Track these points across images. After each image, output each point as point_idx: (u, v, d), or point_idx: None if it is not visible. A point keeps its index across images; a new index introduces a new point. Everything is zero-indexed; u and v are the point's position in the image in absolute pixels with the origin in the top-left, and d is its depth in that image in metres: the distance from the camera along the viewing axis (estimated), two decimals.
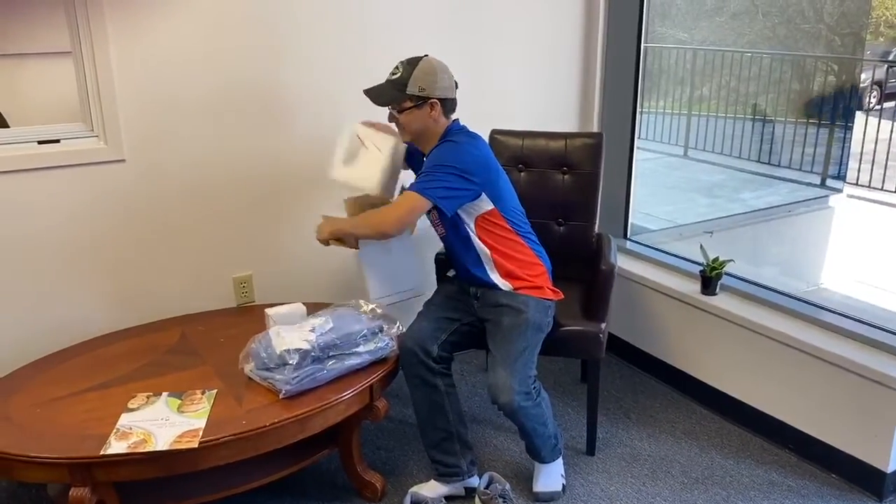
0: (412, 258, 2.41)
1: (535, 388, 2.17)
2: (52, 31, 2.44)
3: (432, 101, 2.15)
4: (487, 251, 2.23)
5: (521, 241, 2.26)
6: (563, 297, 2.32)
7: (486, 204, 2.18)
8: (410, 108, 2.16)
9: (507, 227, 2.23)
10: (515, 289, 2.24)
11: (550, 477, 2.32)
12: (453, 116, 2.26)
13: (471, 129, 2.26)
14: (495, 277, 2.25)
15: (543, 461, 2.31)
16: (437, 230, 2.32)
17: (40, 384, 2.07)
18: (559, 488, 2.32)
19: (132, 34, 2.38)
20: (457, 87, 2.23)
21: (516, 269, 2.25)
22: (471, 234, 2.22)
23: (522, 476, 2.43)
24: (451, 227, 2.24)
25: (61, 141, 2.41)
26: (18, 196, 2.34)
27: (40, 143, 2.38)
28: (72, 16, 2.31)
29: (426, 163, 2.19)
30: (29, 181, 2.34)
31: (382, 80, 2.20)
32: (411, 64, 2.15)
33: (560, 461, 2.36)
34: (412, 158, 2.39)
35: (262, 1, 2.54)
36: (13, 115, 2.67)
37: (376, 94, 2.18)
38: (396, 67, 2.18)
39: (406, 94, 2.14)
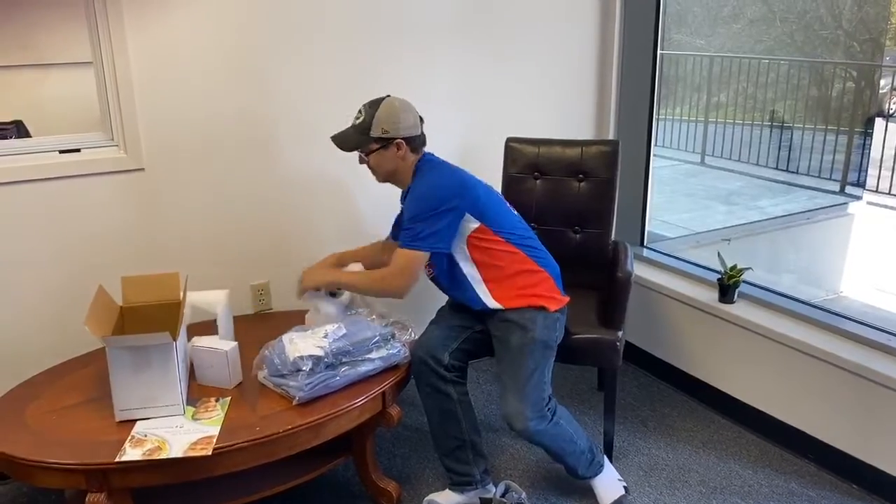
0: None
1: (549, 408, 2.15)
2: (74, 42, 2.47)
3: (397, 141, 2.14)
4: (478, 276, 2.19)
5: (517, 251, 2.20)
6: (568, 300, 2.28)
7: (471, 223, 2.14)
8: (377, 149, 2.15)
9: (500, 238, 2.18)
10: (518, 306, 2.19)
11: (607, 487, 2.30)
12: (425, 149, 2.25)
13: (438, 159, 2.24)
14: (490, 302, 2.20)
15: (584, 478, 2.30)
16: (426, 271, 2.25)
17: (57, 391, 2.08)
18: (622, 491, 2.30)
19: (152, 45, 2.41)
20: (422, 122, 2.21)
21: (511, 286, 2.19)
22: (458, 261, 2.18)
23: (539, 485, 2.42)
24: (441, 265, 2.21)
25: (82, 150, 2.44)
26: (40, 204, 2.37)
27: (61, 152, 2.41)
28: (93, 27, 2.34)
29: (405, 215, 2.17)
30: (50, 190, 2.37)
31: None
32: (373, 107, 2.14)
33: (608, 467, 2.33)
34: None
35: (286, 14, 2.57)
36: (35, 125, 2.71)
37: (341, 141, 2.18)
38: (359, 111, 2.16)
39: (370, 137, 2.13)
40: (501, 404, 2.14)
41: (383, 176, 2.24)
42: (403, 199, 2.30)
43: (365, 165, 2.23)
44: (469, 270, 2.19)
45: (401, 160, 2.18)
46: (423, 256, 2.12)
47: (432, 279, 2.29)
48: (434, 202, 2.10)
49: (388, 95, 2.18)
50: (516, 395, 2.10)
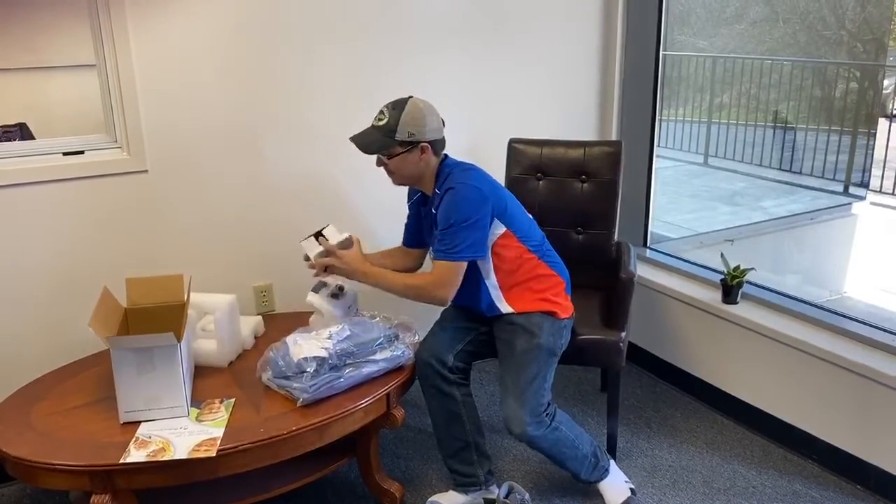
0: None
1: (548, 413, 2.14)
2: (77, 44, 2.48)
3: (423, 144, 2.08)
4: (495, 281, 2.18)
5: (534, 257, 2.20)
6: (573, 311, 2.29)
7: (498, 228, 2.13)
8: (401, 153, 2.09)
9: (521, 245, 2.17)
10: (528, 310, 2.19)
11: (614, 490, 2.30)
12: (443, 152, 2.20)
13: (465, 163, 2.19)
14: (503, 306, 2.20)
15: (589, 482, 2.29)
16: None
17: (61, 393, 2.09)
18: (629, 493, 2.30)
19: (155, 47, 2.41)
20: (444, 125, 2.16)
21: (525, 290, 2.20)
22: (479, 267, 2.16)
23: (543, 485, 2.41)
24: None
25: (85, 152, 2.44)
26: (44, 206, 2.37)
27: (65, 154, 2.42)
28: (96, 30, 2.35)
29: (438, 222, 2.10)
30: (54, 192, 2.38)
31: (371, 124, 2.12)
32: (397, 108, 2.07)
33: (613, 470, 2.33)
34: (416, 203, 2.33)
35: (289, 16, 2.57)
36: (38, 128, 2.71)
37: (365, 143, 2.10)
38: (382, 112, 2.10)
39: (395, 140, 2.07)
40: (501, 407, 2.14)
41: (402, 179, 2.18)
42: (424, 202, 2.24)
43: (382, 168, 2.16)
44: (487, 275, 2.18)
45: (423, 164, 2.12)
46: (463, 266, 2.09)
47: None
48: (470, 211, 2.05)
49: (411, 96, 2.11)
50: (515, 399, 2.11)
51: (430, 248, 2.20)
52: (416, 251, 2.41)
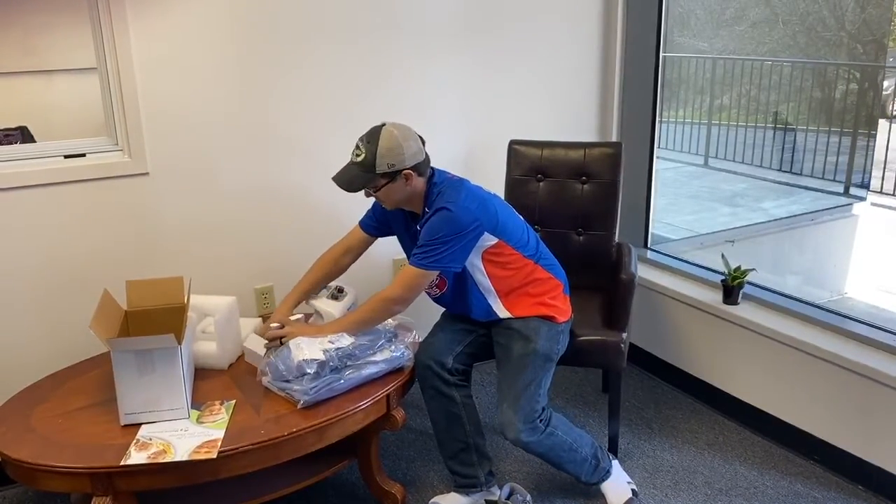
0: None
1: (542, 419, 2.14)
2: (78, 47, 2.49)
3: (405, 172, 2.06)
4: (491, 287, 2.18)
5: (530, 262, 2.20)
6: (571, 314, 2.29)
7: (489, 240, 2.12)
8: (385, 184, 2.08)
9: (515, 252, 2.16)
10: (526, 315, 2.19)
11: (615, 491, 2.30)
12: (430, 169, 2.17)
13: (454, 178, 2.17)
14: (501, 311, 2.20)
15: (590, 483, 2.29)
16: (431, 292, 2.23)
17: (63, 395, 2.09)
18: (630, 494, 2.30)
19: (156, 50, 2.42)
20: (423, 142, 2.13)
21: (523, 295, 2.19)
22: (472, 275, 2.16)
23: (544, 486, 2.41)
24: (452, 281, 2.18)
25: (87, 155, 2.45)
26: (44, 210, 2.38)
27: (66, 157, 2.43)
28: (97, 32, 2.36)
29: (422, 234, 2.10)
30: (55, 195, 2.38)
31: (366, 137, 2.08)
32: (372, 141, 2.04)
33: (616, 471, 2.33)
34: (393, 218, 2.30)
35: (290, 21, 2.58)
36: (40, 131, 2.71)
37: (346, 182, 2.08)
38: (358, 147, 2.07)
39: (376, 174, 2.05)
40: (498, 412, 2.15)
41: (394, 204, 2.16)
42: (412, 218, 2.22)
43: (372, 197, 2.15)
44: (482, 282, 2.18)
45: (410, 188, 2.10)
46: (431, 275, 2.09)
47: (436, 299, 2.27)
48: (457, 226, 2.04)
49: (384, 124, 2.08)
50: (510, 405, 2.11)
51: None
52: (361, 239, 2.36)
